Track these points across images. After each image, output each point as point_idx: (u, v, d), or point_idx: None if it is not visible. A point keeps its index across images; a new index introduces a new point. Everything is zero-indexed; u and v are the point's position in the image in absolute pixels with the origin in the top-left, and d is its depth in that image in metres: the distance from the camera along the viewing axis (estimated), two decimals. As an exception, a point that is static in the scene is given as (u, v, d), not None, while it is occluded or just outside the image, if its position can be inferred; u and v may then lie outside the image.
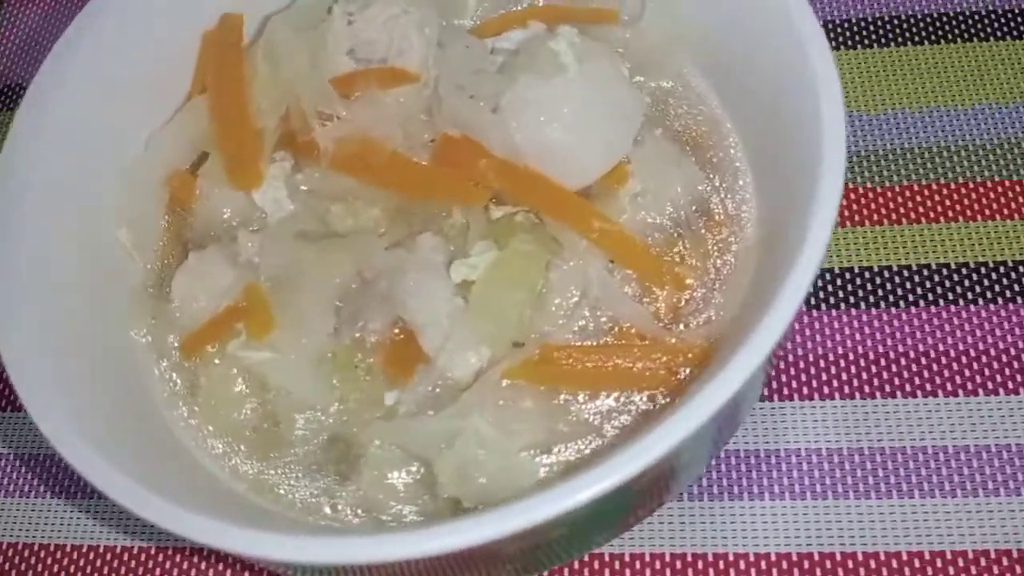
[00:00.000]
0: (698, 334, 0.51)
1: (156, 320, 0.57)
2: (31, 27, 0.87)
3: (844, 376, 0.61)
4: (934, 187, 0.66)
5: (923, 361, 0.61)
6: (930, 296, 0.63)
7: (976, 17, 0.73)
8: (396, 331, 0.54)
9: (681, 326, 0.52)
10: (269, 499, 0.53)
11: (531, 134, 0.53)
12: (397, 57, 0.56)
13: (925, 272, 0.63)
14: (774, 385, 0.61)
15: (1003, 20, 0.72)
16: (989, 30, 0.72)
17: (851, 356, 0.62)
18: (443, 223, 0.56)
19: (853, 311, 0.63)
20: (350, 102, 0.57)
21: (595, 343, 0.52)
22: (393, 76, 0.56)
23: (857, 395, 0.61)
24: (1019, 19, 0.72)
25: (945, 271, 0.63)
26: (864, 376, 0.61)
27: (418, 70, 0.57)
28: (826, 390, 0.61)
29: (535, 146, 0.53)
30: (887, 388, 0.60)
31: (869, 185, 0.67)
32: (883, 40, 0.73)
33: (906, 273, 0.63)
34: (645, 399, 0.51)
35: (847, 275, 0.64)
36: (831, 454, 0.59)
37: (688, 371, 0.50)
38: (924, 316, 0.62)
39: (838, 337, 0.62)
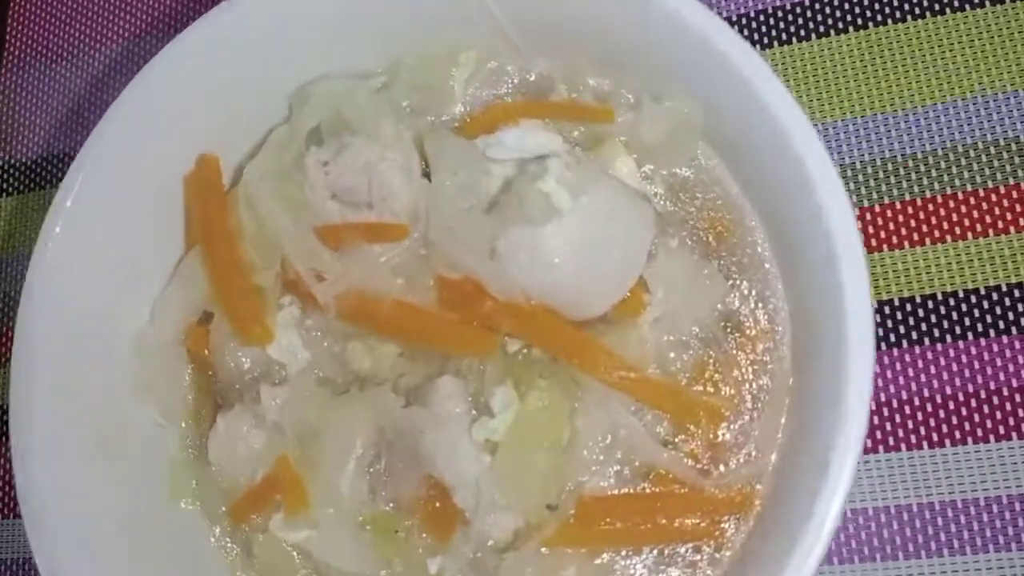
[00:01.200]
0: (739, 476, 0.49)
1: (200, 485, 0.58)
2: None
3: (911, 424, 0.58)
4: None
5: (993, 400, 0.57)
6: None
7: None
8: (432, 489, 0.53)
9: (721, 467, 0.50)
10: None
11: (534, 277, 0.50)
12: (382, 203, 0.52)
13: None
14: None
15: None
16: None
17: (915, 401, 0.58)
18: (460, 362, 0.54)
19: (895, 350, 0.59)
20: (341, 254, 0.53)
21: (632, 490, 0.50)
22: (380, 231, 0.52)
23: (926, 445, 0.57)
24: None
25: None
26: (932, 423, 0.58)
27: (407, 215, 0.53)
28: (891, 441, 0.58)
29: (541, 287, 0.50)
30: (957, 435, 0.57)
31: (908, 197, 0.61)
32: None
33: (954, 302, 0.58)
34: (690, 550, 0.49)
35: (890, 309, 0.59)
36: (900, 511, 0.57)
37: (732, 520, 0.48)
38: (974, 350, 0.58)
39: (901, 380, 0.59)
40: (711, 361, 0.51)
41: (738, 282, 0.52)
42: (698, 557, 0.49)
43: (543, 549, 0.50)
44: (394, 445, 0.53)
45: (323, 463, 0.53)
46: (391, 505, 0.53)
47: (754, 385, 0.50)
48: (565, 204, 0.48)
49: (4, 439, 0.74)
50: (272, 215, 0.53)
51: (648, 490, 0.50)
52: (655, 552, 0.50)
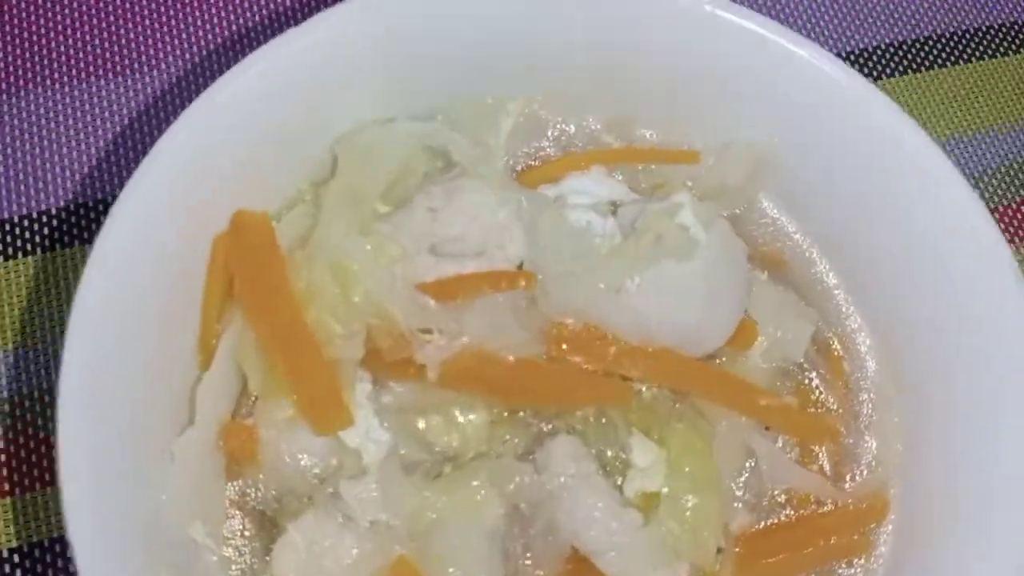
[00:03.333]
0: (871, 484, 0.51)
1: (267, 623, 0.46)
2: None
3: None
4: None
5: None
6: None
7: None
8: (572, 561, 0.48)
9: (848, 481, 0.52)
10: None
11: (667, 317, 0.49)
12: (497, 250, 0.48)
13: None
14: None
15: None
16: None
17: None
18: (570, 419, 0.51)
19: None
20: (451, 310, 0.48)
21: (776, 520, 0.50)
22: (508, 279, 0.48)
23: None
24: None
25: None
26: None
27: (515, 261, 0.49)
28: None
29: (668, 328, 0.49)
30: None
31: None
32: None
33: None
34: (844, 564, 0.50)
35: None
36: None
37: (875, 528, 0.51)
38: None
39: None
40: (812, 385, 0.54)
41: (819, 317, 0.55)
42: (852, 572, 0.50)
43: (720, 595, 0.47)
44: (528, 520, 0.48)
45: (451, 555, 0.46)
46: (534, 586, 0.47)
47: (855, 400, 0.54)
48: (702, 237, 0.49)
49: None
50: (369, 270, 0.46)
51: (793, 516, 0.50)
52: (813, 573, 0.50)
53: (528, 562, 0.48)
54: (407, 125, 0.51)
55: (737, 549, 0.48)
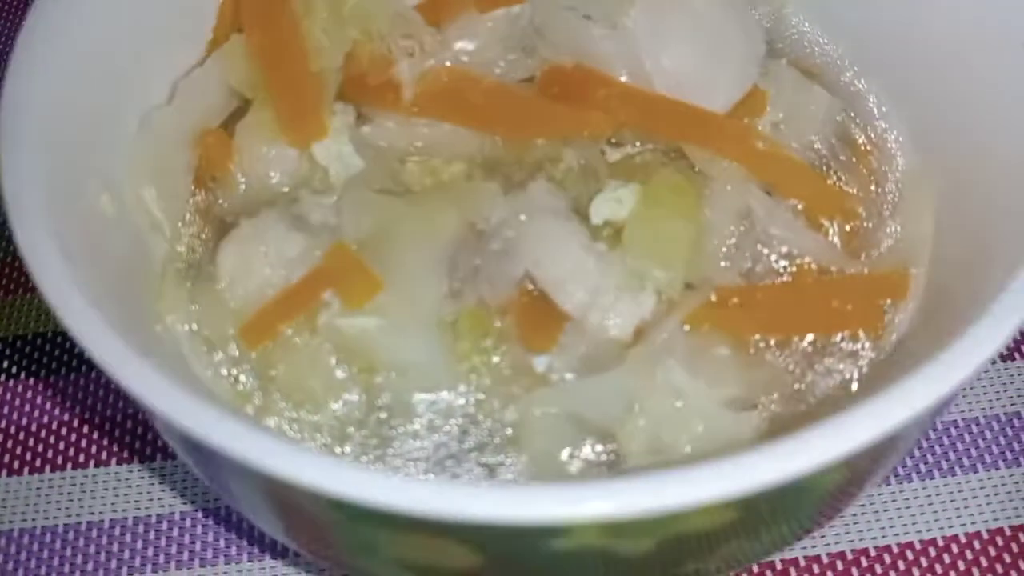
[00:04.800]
0: (888, 262, 0.44)
1: (200, 306, 0.44)
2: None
3: None
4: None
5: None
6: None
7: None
8: (526, 291, 0.44)
9: (863, 257, 0.45)
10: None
11: (662, 55, 0.46)
12: (492, -18, 0.48)
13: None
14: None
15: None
16: None
17: None
18: (552, 170, 0.48)
19: None
20: (438, 30, 0.48)
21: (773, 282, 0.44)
22: (497, -4, 0.47)
23: None
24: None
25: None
26: None
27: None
28: None
29: (666, 69, 0.46)
30: None
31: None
32: None
33: None
34: (847, 338, 0.43)
35: None
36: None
37: (889, 303, 0.43)
38: None
39: None
40: (832, 172, 0.48)
41: (843, 107, 0.50)
42: (856, 347, 0.43)
43: (686, 327, 0.41)
44: (484, 241, 0.44)
45: (397, 256, 0.43)
46: (480, 304, 0.43)
47: (879, 190, 0.48)
48: (702, -25, 0.47)
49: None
50: (362, -19, 0.47)
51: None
52: (809, 343, 0.43)
53: (481, 283, 0.44)
54: None
55: (713, 297, 0.42)
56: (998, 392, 0.53)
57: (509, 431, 0.41)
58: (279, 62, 0.47)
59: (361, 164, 0.48)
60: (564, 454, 0.40)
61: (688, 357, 0.40)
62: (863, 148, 0.49)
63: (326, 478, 0.29)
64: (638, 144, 0.48)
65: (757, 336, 0.42)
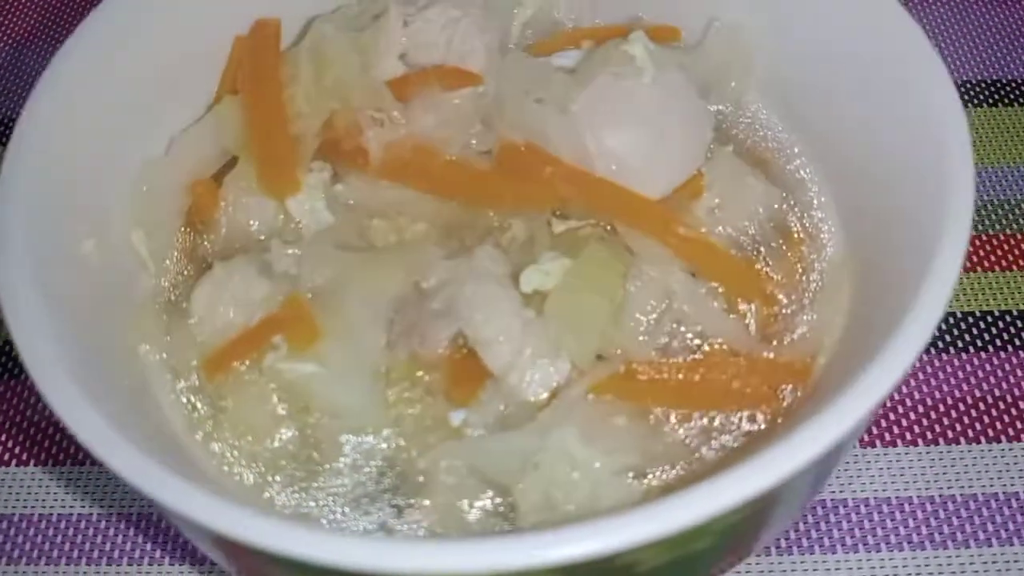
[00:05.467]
0: (797, 350, 0.47)
1: (172, 338, 0.50)
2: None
3: (946, 421, 0.58)
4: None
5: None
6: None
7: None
8: (455, 347, 0.48)
9: (775, 343, 0.48)
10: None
11: (605, 140, 0.50)
12: (458, 61, 0.53)
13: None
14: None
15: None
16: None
17: (947, 400, 0.58)
18: (501, 236, 0.52)
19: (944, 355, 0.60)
20: (406, 105, 0.52)
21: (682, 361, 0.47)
22: (457, 76, 0.52)
23: (962, 440, 0.57)
24: None
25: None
26: (965, 421, 0.58)
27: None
28: (928, 435, 0.57)
29: (608, 153, 0.50)
30: (989, 432, 0.57)
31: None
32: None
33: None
34: (746, 419, 0.46)
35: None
36: (923, 502, 0.55)
37: (791, 391, 0.46)
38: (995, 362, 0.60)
39: (933, 382, 0.59)
40: (761, 258, 0.51)
41: (784, 195, 0.53)
42: (753, 427, 0.46)
43: (590, 396, 0.45)
44: (424, 299, 0.49)
45: (343, 308, 0.48)
46: (413, 357, 0.48)
47: (803, 280, 0.50)
48: (649, 69, 0.50)
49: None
50: (339, 57, 0.52)
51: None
52: (707, 420, 0.46)
53: (416, 338, 0.48)
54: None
55: (623, 367, 0.46)
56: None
57: (420, 478, 0.45)
58: (262, 124, 0.53)
59: (331, 219, 0.53)
60: (464, 504, 0.44)
61: (586, 424, 0.44)
62: (796, 236, 0.52)
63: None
64: (581, 219, 0.52)
65: (659, 409, 0.46)
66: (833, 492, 0.55)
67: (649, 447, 0.44)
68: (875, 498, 0.55)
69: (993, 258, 0.64)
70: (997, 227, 0.66)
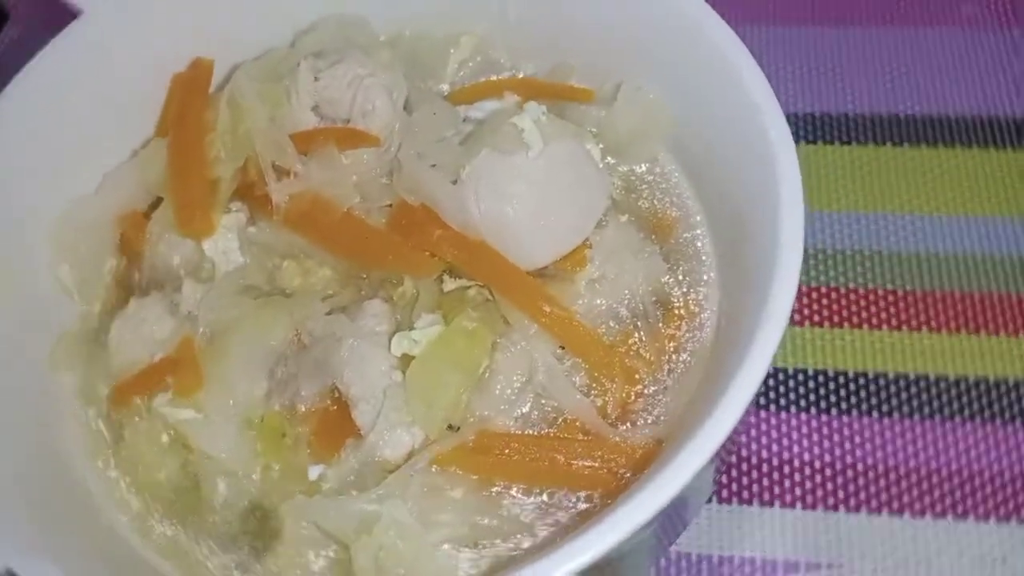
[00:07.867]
0: (644, 435, 0.49)
1: (88, 366, 0.55)
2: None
3: (808, 484, 0.59)
4: (899, 293, 0.64)
5: (892, 476, 0.59)
6: (901, 407, 0.61)
7: (954, 122, 0.72)
8: (330, 401, 0.51)
9: (628, 424, 0.50)
10: (181, 566, 0.50)
11: (488, 209, 0.51)
12: (361, 118, 0.55)
13: (884, 381, 0.62)
14: (733, 487, 0.59)
15: (982, 128, 0.71)
16: (966, 137, 0.71)
17: (816, 463, 0.59)
18: (393, 290, 0.54)
19: (823, 416, 0.61)
20: (307, 159, 0.55)
21: (536, 432, 0.49)
22: (352, 137, 0.54)
23: (820, 506, 0.58)
24: (996, 128, 0.71)
25: (906, 382, 0.62)
26: (828, 486, 0.59)
27: (381, 133, 0.55)
28: (788, 497, 0.58)
29: (492, 222, 0.51)
30: (851, 502, 0.58)
31: (832, 285, 0.65)
32: (859, 138, 0.72)
33: (865, 381, 0.62)
34: (583, 499, 0.48)
35: (801, 376, 0.62)
36: (789, 566, 0.56)
37: (630, 474, 0.48)
38: (896, 427, 0.60)
39: (805, 443, 0.60)
40: (637, 332, 0.52)
41: (674, 268, 0.54)
42: (588, 507, 0.48)
43: (433, 467, 0.48)
44: (305, 352, 0.52)
45: (227, 355, 0.51)
46: (287, 408, 0.51)
47: (673, 359, 0.51)
48: (536, 143, 0.51)
49: None
50: (253, 109, 0.55)
51: (553, 434, 0.49)
52: (546, 496, 0.48)
53: (293, 389, 0.52)
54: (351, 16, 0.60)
55: (472, 439, 0.48)
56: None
57: (277, 524, 0.49)
58: (181, 167, 0.56)
59: (242, 260, 0.56)
60: (311, 554, 0.48)
61: (422, 494, 0.47)
62: (677, 312, 0.53)
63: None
64: (471, 280, 0.54)
65: (501, 483, 0.48)
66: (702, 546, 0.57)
67: (480, 521, 0.47)
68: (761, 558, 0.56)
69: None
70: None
